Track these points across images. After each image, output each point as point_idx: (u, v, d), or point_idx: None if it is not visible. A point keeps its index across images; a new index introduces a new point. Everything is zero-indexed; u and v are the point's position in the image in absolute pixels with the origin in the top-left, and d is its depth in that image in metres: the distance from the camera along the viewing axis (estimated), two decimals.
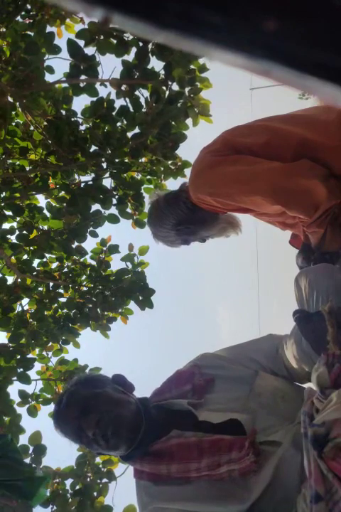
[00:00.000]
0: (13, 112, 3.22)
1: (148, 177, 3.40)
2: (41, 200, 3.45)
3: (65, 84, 3.11)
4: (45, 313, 3.59)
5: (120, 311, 3.66)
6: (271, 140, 1.41)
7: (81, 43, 2.85)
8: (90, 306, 3.59)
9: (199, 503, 1.11)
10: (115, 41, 2.91)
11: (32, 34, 2.95)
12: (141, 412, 1.25)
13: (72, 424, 1.22)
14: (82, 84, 3.00)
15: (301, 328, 1.18)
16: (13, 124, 3.26)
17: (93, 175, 3.25)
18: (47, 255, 3.59)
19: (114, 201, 3.32)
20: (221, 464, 1.08)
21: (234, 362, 1.34)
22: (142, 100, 3.08)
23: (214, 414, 1.18)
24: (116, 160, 3.17)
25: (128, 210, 3.39)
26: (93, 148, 3.16)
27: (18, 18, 2.95)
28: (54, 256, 3.59)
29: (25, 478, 2.24)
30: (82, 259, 3.64)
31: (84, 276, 3.66)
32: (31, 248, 3.45)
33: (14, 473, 2.21)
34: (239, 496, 1.07)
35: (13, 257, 3.45)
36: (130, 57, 2.97)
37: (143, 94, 3.07)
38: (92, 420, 1.19)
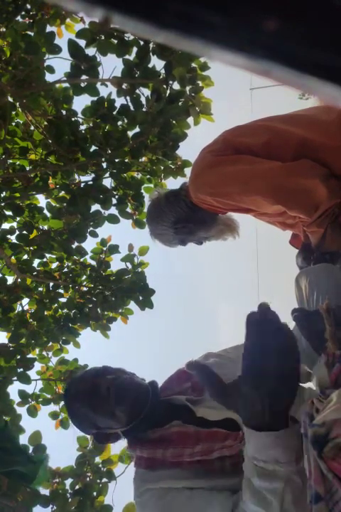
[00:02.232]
0: (13, 112, 3.22)
1: (148, 177, 3.40)
2: (41, 200, 3.46)
3: (66, 84, 3.11)
4: (45, 313, 3.59)
5: (120, 311, 3.66)
6: (272, 140, 1.41)
7: (81, 42, 2.86)
8: (90, 306, 3.59)
9: (189, 481, 1.13)
10: (116, 41, 2.91)
11: (32, 34, 2.95)
12: (149, 390, 1.31)
13: (87, 383, 1.29)
14: (82, 84, 3.00)
15: (300, 327, 1.19)
16: (13, 124, 3.26)
17: (93, 175, 3.25)
18: (47, 255, 3.59)
19: (114, 201, 3.32)
20: (214, 450, 1.11)
21: (235, 361, 1.35)
22: (143, 99, 3.08)
23: (211, 411, 1.21)
24: (116, 160, 3.17)
25: (128, 210, 3.39)
26: (93, 148, 3.16)
27: (18, 18, 2.94)
28: (54, 256, 3.59)
29: (23, 462, 2.22)
30: (82, 259, 3.64)
31: (84, 276, 3.66)
32: (31, 248, 3.45)
33: (12, 463, 2.20)
34: (230, 480, 1.08)
35: (13, 257, 3.45)
36: (131, 56, 2.97)
37: (144, 93, 3.07)
38: (109, 378, 1.27)
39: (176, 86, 3.02)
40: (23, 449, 2.31)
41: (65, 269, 3.64)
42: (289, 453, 0.82)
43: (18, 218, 3.39)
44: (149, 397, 1.28)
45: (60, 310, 3.67)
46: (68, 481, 3.20)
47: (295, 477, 0.82)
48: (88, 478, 3.18)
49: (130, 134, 3.18)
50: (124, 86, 3.02)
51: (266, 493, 0.86)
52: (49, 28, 2.97)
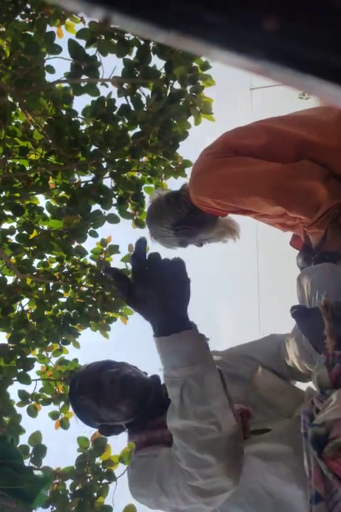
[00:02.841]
0: (13, 112, 3.22)
1: (149, 176, 3.40)
2: (41, 200, 3.46)
3: (66, 84, 3.11)
4: (45, 313, 3.59)
5: (120, 311, 3.66)
6: (271, 141, 1.41)
7: (81, 42, 2.86)
8: (90, 306, 3.59)
9: None
10: (116, 41, 2.91)
11: (32, 34, 2.95)
12: (152, 384, 1.31)
13: (91, 376, 1.30)
14: (82, 84, 3.00)
15: (299, 323, 1.19)
16: (13, 124, 3.26)
17: (93, 175, 3.25)
18: (47, 255, 3.59)
19: (114, 201, 3.32)
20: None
21: (236, 360, 1.35)
22: (143, 99, 3.08)
23: None
24: (117, 160, 3.17)
25: (128, 210, 3.39)
26: (93, 148, 3.16)
27: (18, 17, 2.95)
28: (54, 256, 3.59)
29: (27, 481, 2.22)
30: (82, 259, 3.64)
31: (84, 277, 3.66)
32: (31, 248, 3.45)
33: (14, 482, 2.20)
34: None
35: (13, 257, 3.45)
36: (131, 56, 2.97)
37: (144, 92, 3.07)
38: (112, 371, 1.28)
39: (177, 85, 3.03)
40: (27, 468, 2.31)
41: (65, 269, 3.64)
42: (183, 358, 0.90)
43: (18, 218, 3.39)
44: (152, 390, 1.29)
45: (60, 310, 3.67)
46: (68, 482, 3.20)
47: (190, 380, 0.91)
48: (88, 479, 3.18)
49: (130, 133, 3.18)
50: (125, 86, 3.02)
51: (172, 399, 0.96)
52: (49, 28, 2.98)
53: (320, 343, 1.04)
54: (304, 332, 1.17)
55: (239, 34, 0.22)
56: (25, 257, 3.51)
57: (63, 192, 3.32)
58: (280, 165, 1.37)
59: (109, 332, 3.70)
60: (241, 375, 1.29)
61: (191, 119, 3.15)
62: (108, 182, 3.30)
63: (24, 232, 3.40)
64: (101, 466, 3.24)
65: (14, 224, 3.41)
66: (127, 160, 3.21)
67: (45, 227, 3.45)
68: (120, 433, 1.37)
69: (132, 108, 3.09)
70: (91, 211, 3.29)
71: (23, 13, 2.94)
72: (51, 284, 3.60)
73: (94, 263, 3.66)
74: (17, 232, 3.40)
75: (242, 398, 1.22)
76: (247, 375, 1.29)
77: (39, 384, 3.53)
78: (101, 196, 3.24)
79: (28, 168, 3.28)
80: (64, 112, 3.13)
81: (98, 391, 1.27)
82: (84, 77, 2.94)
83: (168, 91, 3.03)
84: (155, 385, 1.31)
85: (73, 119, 3.14)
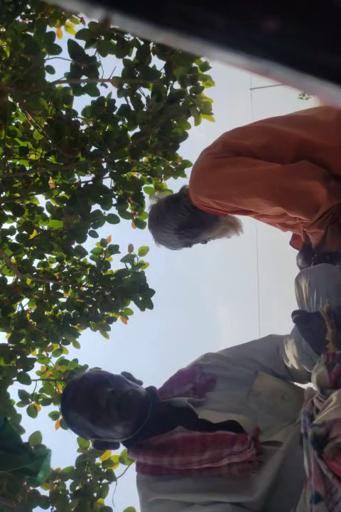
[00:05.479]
0: (13, 112, 3.22)
1: (149, 177, 3.40)
2: (41, 200, 3.46)
3: (66, 84, 3.11)
4: (45, 313, 3.59)
5: (120, 311, 3.66)
6: (271, 141, 1.41)
7: (81, 43, 2.86)
8: (90, 306, 3.59)
9: (199, 495, 1.11)
10: (116, 42, 2.92)
11: (32, 34, 2.95)
12: (148, 399, 1.27)
13: (85, 395, 1.24)
14: (82, 84, 3.00)
15: (300, 329, 1.18)
16: (13, 124, 3.26)
17: (93, 175, 3.25)
18: (47, 255, 3.59)
19: (114, 201, 3.32)
20: (222, 457, 1.08)
21: (235, 362, 1.34)
22: (143, 99, 3.09)
23: (213, 414, 1.19)
24: (116, 160, 3.17)
25: (128, 210, 3.39)
26: (93, 148, 3.16)
27: (18, 18, 2.95)
28: (54, 256, 3.59)
29: (26, 460, 2.20)
30: (82, 259, 3.64)
31: (84, 277, 3.66)
32: (31, 248, 3.45)
33: (16, 463, 2.17)
34: (240, 492, 1.08)
35: (13, 257, 3.45)
36: (131, 56, 2.98)
37: (144, 93, 3.08)
38: (108, 389, 1.22)
39: (176, 86, 3.03)
40: (24, 445, 2.28)
41: (65, 269, 3.64)
42: None
43: (18, 218, 3.39)
44: (149, 406, 1.25)
45: (60, 310, 3.67)
46: (68, 482, 3.20)
47: None
48: (88, 479, 3.18)
49: (130, 134, 3.19)
50: (124, 86, 3.02)
51: None
52: (49, 29, 2.98)
53: (322, 348, 1.04)
54: (305, 337, 1.17)
55: (239, 34, 0.22)
56: (25, 257, 3.51)
57: (63, 192, 3.32)
58: (280, 165, 1.37)
59: (109, 332, 3.70)
60: (241, 378, 1.28)
61: (191, 120, 3.16)
62: (108, 182, 3.30)
63: (24, 232, 3.41)
64: (101, 466, 3.24)
65: (14, 224, 3.41)
66: (127, 160, 3.21)
67: (45, 227, 3.45)
68: (116, 448, 1.33)
69: (132, 108, 3.09)
70: (91, 211, 3.29)
71: (23, 13, 2.94)
72: (51, 284, 3.60)
73: (94, 263, 3.66)
74: (17, 232, 3.40)
75: (242, 401, 1.21)
76: (247, 378, 1.27)
77: (39, 384, 3.54)
78: (101, 196, 3.24)
79: (28, 168, 3.28)
80: (64, 112, 3.13)
81: (93, 411, 1.22)
82: (84, 77, 2.94)
83: (168, 91, 3.03)
84: (153, 400, 1.27)
85: (73, 119, 3.14)
